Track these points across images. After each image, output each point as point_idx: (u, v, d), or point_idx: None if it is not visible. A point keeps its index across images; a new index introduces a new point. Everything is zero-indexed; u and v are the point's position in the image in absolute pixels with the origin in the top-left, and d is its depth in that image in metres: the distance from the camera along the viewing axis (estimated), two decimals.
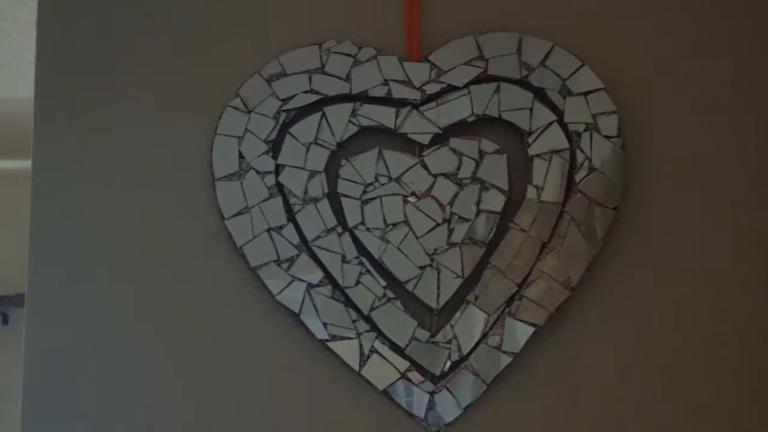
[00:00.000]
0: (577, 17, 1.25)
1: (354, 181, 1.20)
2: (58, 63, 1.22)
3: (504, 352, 1.18)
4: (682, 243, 1.21)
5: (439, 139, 1.22)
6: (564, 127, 1.21)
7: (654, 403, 1.18)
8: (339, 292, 1.18)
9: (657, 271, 1.20)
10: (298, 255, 1.19)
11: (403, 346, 1.18)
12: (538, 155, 1.21)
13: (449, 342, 1.18)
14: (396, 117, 1.22)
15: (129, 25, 1.23)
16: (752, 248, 1.21)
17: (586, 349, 1.19)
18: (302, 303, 1.18)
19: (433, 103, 1.22)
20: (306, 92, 1.21)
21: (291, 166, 1.20)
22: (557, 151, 1.20)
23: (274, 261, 1.18)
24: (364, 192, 1.20)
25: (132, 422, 1.17)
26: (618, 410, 1.18)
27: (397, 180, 1.20)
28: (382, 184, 1.20)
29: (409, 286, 1.19)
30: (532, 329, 1.17)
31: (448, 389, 1.18)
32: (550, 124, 1.21)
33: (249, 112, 1.21)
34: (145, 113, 1.21)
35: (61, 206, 1.19)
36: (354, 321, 1.18)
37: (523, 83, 1.22)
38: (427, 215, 1.20)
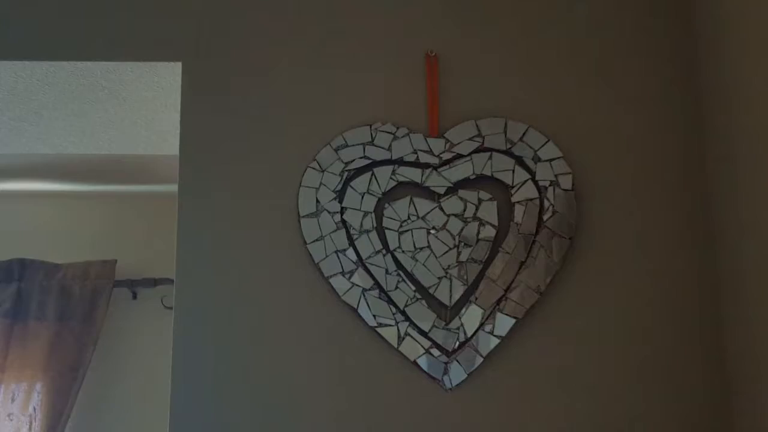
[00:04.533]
0: (545, 108, 1.78)
1: (394, 219, 1.71)
2: (199, 129, 1.76)
3: (495, 335, 1.67)
4: (616, 263, 1.73)
5: (451, 190, 1.73)
6: (535, 183, 1.73)
7: (600, 363, 1.68)
8: (384, 294, 1.68)
9: (598, 281, 1.72)
10: (356, 268, 1.69)
11: (426, 331, 1.67)
12: (518, 202, 1.72)
13: (458, 328, 1.68)
14: (422, 175, 1.74)
15: (250, 112, 1.77)
16: (666, 269, 1.73)
17: (550, 334, 1.69)
18: (359, 301, 1.68)
19: (447, 166, 1.74)
20: (361, 158, 1.74)
21: (351, 208, 1.72)
22: (531, 200, 1.72)
23: (340, 272, 1.69)
24: (401, 226, 1.71)
25: (244, 371, 1.68)
26: (575, 372, 1.68)
27: (423, 218, 1.72)
28: (413, 221, 1.71)
29: (431, 290, 1.69)
30: (514, 320, 1.68)
31: (457, 360, 1.67)
32: (526, 181, 1.73)
33: (323, 171, 1.73)
34: (256, 169, 1.74)
35: (198, 223, 1.74)
36: (394, 314, 1.68)
37: (507, 153, 1.74)
38: (443, 242, 1.71)
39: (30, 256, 3.05)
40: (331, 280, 1.69)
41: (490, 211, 1.73)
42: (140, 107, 1.93)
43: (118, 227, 3.09)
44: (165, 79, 1.77)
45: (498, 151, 1.75)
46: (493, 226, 1.72)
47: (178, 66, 1.76)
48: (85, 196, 3.07)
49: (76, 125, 2.00)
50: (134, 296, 3.05)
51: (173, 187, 2.46)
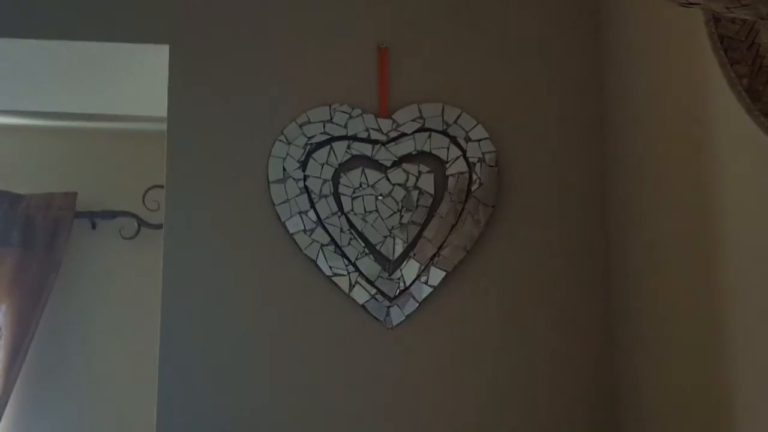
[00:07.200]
0: (476, 95, 2.11)
1: (348, 186, 2.03)
2: (183, 106, 2.05)
3: (429, 285, 2.01)
4: (531, 227, 2.08)
5: (396, 164, 2.05)
6: (466, 159, 2.06)
7: (514, 309, 2.04)
8: (338, 248, 2.00)
9: (515, 242, 2.07)
10: (316, 227, 2.01)
11: (373, 280, 2.00)
12: (451, 175, 2.05)
13: (399, 279, 2.01)
14: (372, 150, 2.05)
15: (228, 92, 2.06)
16: (573, 232, 2.10)
17: (474, 285, 2.05)
18: (318, 254, 2.00)
19: (394, 143, 2.05)
20: (322, 133, 2.04)
21: (313, 176, 2.03)
22: (462, 173, 2.05)
23: (303, 230, 2.00)
24: (354, 192, 2.03)
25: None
26: (495, 316, 2.04)
27: (372, 186, 2.04)
28: (364, 189, 2.03)
29: (378, 247, 2.02)
30: (444, 273, 2.02)
31: (397, 305, 2.01)
32: (458, 157, 2.06)
33: (289, 143, 2.03)
34: (232, 141, 2.04)
35: (183, 185, 2.02)
36: (346, 265, 2.00)
37: (444, 133, 2.06)
38: (388, 207, 2.03)
39: None
40: (294, 236, 2.00)
41: (428, 182, 2.05)
42: (128, 77, 2.20)
43: (79, 162, 3.30)
44: (151, 57, 2.05)
45: (436, 131, 2.07)
46: (430, 194, 2.05)
47: (165, 47, 2.04)
48: (49, 131, 3.27)
49: (67, 87, 2.27)
50: (93, 227, 3.29)
51: (134, 125, 2.73)
